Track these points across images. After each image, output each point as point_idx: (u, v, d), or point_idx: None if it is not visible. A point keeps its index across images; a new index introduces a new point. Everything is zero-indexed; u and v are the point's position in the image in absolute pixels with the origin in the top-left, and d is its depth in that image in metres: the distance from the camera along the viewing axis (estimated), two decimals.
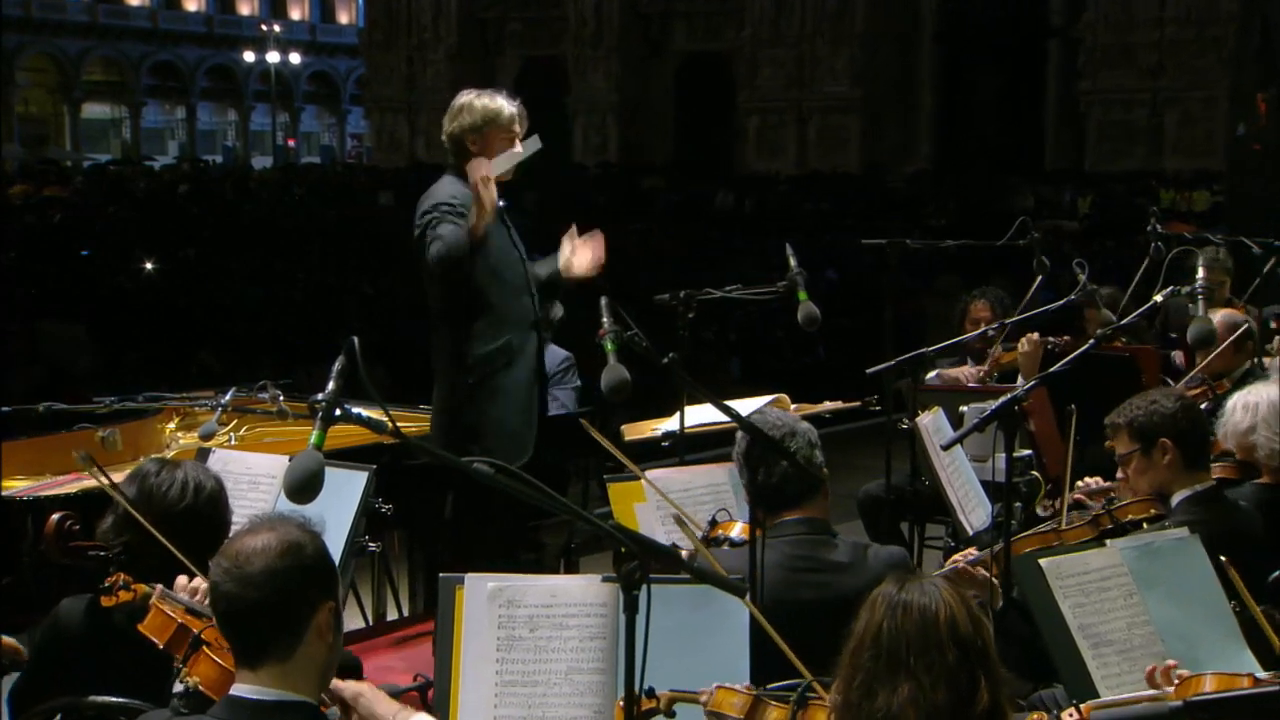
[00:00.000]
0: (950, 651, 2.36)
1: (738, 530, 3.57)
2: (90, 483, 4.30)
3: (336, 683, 2.62)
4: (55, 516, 3.17)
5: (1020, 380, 5.67)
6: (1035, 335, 5.79)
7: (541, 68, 39.77)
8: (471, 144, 4.55)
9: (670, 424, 4.78)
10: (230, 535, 2.62)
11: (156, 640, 2.78)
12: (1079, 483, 4.17)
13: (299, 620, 2.46)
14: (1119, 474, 4.04)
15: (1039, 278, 5.63)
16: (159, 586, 2.89)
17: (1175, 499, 3.91)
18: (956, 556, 3.81)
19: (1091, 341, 4.32)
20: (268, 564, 2.44)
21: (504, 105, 4.59)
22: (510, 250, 4.65)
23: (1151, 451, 3.91)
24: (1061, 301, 5.13)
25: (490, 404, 4.54)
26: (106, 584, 2.92)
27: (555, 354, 5.48)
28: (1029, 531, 3.94)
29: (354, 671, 3.44)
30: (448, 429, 4.58)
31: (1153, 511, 3.92)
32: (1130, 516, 3.91)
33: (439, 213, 4.41)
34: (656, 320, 4.96)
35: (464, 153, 4.54)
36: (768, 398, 4.80)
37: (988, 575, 3.58)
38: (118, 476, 3.33)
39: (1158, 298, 4.93)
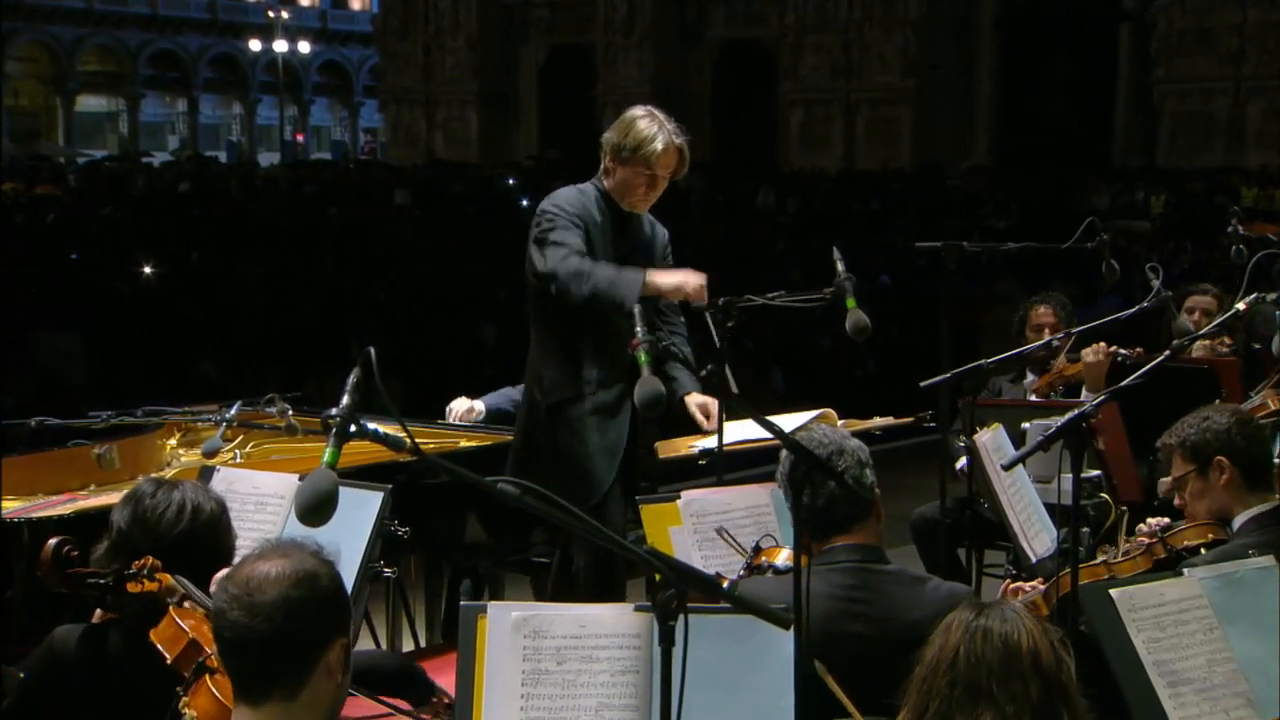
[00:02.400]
0: (1033, 683, 2.35)
1: (783, 557, 3.56)
2: (85, 503, 4.34)
3: None
4: (52, 542, 3.18)
5: (1086, 394, 5.64)
6: (1102, 344, 5.75)
7: (568, 57, 39.91)
8: (611, 161, 4.68)
9: (708, 441, 4.78)
10: (238, 559, 2.61)
11: (166, 653, 2.80)
12: (1140, 525, 4.15)
13: (309, 657, 2.46)
14: (1176, 500, 4.02)
15: (1111, 284, 5.59)
16: (184, 582, 2.90)
17: (1237, 521, 3.88)
18: (1011, 586, 3.81)
19: (1167, 352, 4.30)
20: (281, 594, 2.44)
21: (657, 139, 4.61)
22: None
23: (1208, 472, 3.90)
24: (1133, 309, 5.10)
25: (561, 433, 4.64)
26: (133, 569, 2.94)
27: None
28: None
29: (412, 678, 3.46)
30: (517, 448, 4.77)
31: (1211, 537, 3.89)
32: (1187, 543, 3.89)
33: (555, 224, 4.55)
34: (693, 329, 4.99)
35: (607, 169, 4.69)
36: (813, 413, 4.78)
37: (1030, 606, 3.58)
38: (114, 497, 3.35)
39: (1240, 305, 4.90)
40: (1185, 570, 3.38)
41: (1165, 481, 4.11)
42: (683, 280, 4.48)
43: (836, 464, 3.34)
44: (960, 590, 3.41)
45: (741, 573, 3.66)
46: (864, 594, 3.29)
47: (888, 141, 35.06)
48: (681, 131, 4.69)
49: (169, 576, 2.93)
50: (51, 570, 3.15)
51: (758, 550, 3.66)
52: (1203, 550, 3.82)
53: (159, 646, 2.82)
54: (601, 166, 4.75)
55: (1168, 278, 5.13)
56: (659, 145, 4.61)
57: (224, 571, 2.58)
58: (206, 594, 2.93)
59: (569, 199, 4.67)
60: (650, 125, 4.64)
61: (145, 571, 2.94)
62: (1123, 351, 5.64)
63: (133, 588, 2.95)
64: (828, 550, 3.33)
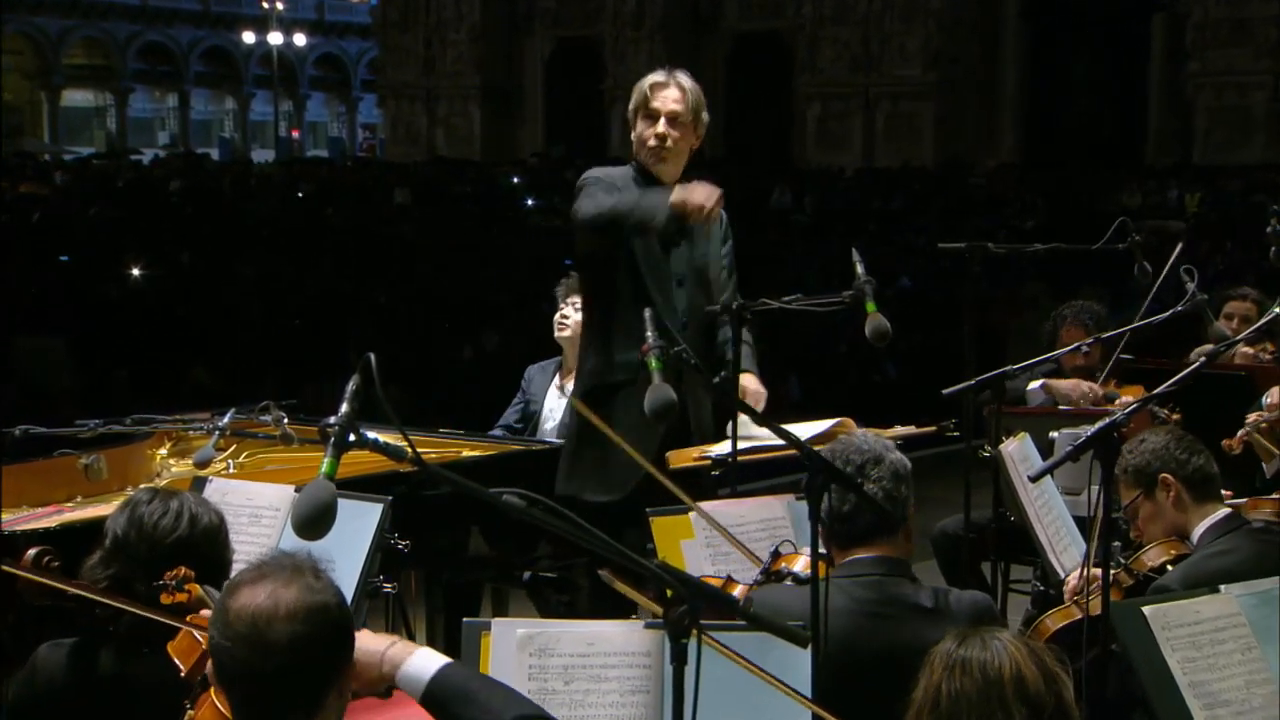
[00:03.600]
0: (1017, 713, 2.34)
1: (801, 564, 3.56)
2: (72, 516, 4.35)
3: None
4: (31, 553, 3.20)
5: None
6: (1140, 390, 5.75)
7: (575, 50, 39.92)
8: (632, 127, 4.90)
9: (721, 447, 4.77)
10: (231, 582, 2.59)
11: (181, 664, 2.80)
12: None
13: (323, 690, 2.46)
14: (1132, 532, 4.11)
15: (1152, 289, 5.58)
16: (211, 593, 2.91)
17: (1196, 533, 4.00)
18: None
19: (1202, 359, 4.30)
20: (292, 633, 2.42)
21: (650, 76, 4.86)
22: (667, 270, 4.85)
23: (1154, 493, 4.02)
24: (1166, 314, 5.10)
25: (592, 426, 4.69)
26: (166, 579, 2.95)
27: None
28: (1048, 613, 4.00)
29: None
30: (567, 452, 4.96)
31: (1174, 553, 4.02)
32: (1152, 564, 3.98)
33: (584, 183, 4.78)
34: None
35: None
36: (830, 421, 4.79)
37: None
38: (102, 509, 3.36)
39: (1277, 309, 4.89)
40: (1222, 587, 3.38)
41: None
42: (688, 194, 4.49)
43: (870, 473, 3.35)
44: (981, 599, 3.43)
45: (759, 579, 3.66)
46: (884, 609, 3.29)
47: (909, 138, 35.01)
48: (690, 77, 4.87)
49: (198, 587, 2.94)
50: (30, 581, 3.16)
51: (776, 555, 3.66)
52: (1169, 567, 3.91)
53: (175, 659, 2.82)
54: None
55: (1203, 280, 5.12)
56: (653, 78, 4.83)
57: (219, 602, 2.55)
58: None
59: (601, 170, 4.89)
60: (648, 78, 4.86)
61: (177, 583, 2.94)
62: (1161, 413, 5.57)
63: (165, 599, 2.95)
64: (850, 562, 3.33)
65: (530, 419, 5.87)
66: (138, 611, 3.02)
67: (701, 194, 4.45)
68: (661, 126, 4.79)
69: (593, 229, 4.68)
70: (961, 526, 5.21)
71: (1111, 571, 3.89)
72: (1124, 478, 4.07)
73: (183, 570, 2.96)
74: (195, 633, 2.84)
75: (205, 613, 2.89)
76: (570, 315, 5.62)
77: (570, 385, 5.67)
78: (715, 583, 3.72)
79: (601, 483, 4.72)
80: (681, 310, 4.86)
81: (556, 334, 5.74)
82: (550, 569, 5.36)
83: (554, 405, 5.81)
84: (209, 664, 2.59)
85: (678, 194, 4.48)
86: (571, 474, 4.86)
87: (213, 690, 2.69)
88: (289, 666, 2.41)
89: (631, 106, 4.88)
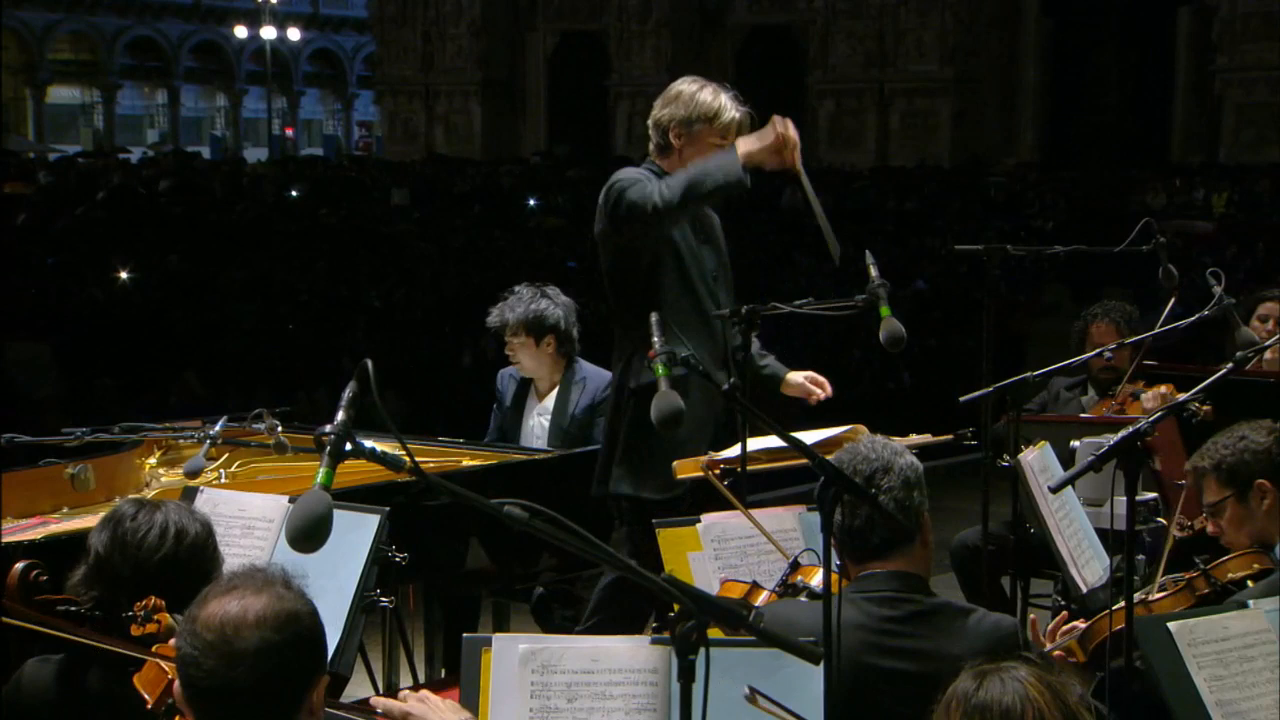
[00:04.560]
0: None
1: (818, 580, 3.55)
2: (58, 527, 4.36)
3: (385, 702, 2.62)
4: (19, 566, 3.19)
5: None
6: (1168, 389, 5.75)
7: (579, 44, 39.97)
8: (676, 138, 4.84)
9: (730, 451, 4.77)
10: (201, 593, 2.58)
11: (148, 696, 2.80)
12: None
13: (295, 702, 2.47)
14: (1210, 528, 4.02)
15: (1173, 295, 5.57)
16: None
17: None
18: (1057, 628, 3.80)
19: (1230, 365, 4.29)
20: (260, 639, 2.43)
21: (725, 106, 4.85)
22: (706, 266, 4.92)
23: (1248, 497, 3.90)
24: (1193, 318, 5.10)
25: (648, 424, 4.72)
26: (135, 610, 2.94)
27: (602, 373, 5.61)
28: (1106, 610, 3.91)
29: None
30: (607, 451, 4.91)
31: (1257, 567, 3.89)
32: (1232, 575, 3.88)
33: (626, 181, 4.71)
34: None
35: (668, 147, 4.85)
36: (841, 429, 4.78)
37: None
38: (88, 520, 3.35)
39: None
40: (1251, 602, 3.37)
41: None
42: (767, 136, 4.64)
43: (880, 483, 3.31)
44: (1006, 623, 3.36)
45: (776, 589, 3.65)
46: (899, 627, 3.26)
47: (925, 136, 35.03)
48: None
49: (169, 616, 2.93)
50: (18, 597, 3.16)
51: (795, 566, 3.65)
52: (1249, 583, 3.82)
53: (141, 691, 2.81)
54: (651, 147, 4.92)
55: (1231, 283, 5.12)
56: (735, 114, 4.85)
57: (188, 612, 2.54)
58: None
59: (632, 171, 4.84)
60: (715, 94, 4.86)
61: (146, 614, 2.94)
62: (1191, 405, 5.57)
63: (135, 632, 2.94)
64: (865, 577, 3.31)
65: (505, 427, 5.91)
66: (105, 647, 3.00)
67: (782, 125, 4.62)
68: None
69: (666, 210, 4.61)
70: (980, 538, 5.20)
71: (1188, 576, 3.87)
72: (1215, 474, 3.96)
73: (152, 600, 2.95)
74: (161, 663, 2.83)
75: (174, 642, 2.88)
76: (521, 358, 5.74)
77: (548, 403, 5.78)
78: (741, 588, 3.73)
79: (663, 480, 4.71)
80: (723, 305, 4.89)
81: (518, 369, 5.83)
82: (553, 583, 5.37)
83: (534, 425, 5.83)
84: (176, 684, 2.59)
85: (764, 136, 4.62)
86: (627, 473, 4.84)
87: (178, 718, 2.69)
88: (258, 676, 2.42)
89: (702, 119, 4.82)
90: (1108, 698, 3.42)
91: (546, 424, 5.75)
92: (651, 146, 4.94)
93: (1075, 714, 2.40)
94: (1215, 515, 3.97)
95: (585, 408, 5.67)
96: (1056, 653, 3.72)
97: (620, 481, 4.85)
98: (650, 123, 4.96)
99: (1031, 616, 4.02)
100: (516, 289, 5.77)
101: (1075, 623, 3.81)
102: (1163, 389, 5.80)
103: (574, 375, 5.73)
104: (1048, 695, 2.39)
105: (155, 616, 2.94)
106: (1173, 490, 4.96)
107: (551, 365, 5.75)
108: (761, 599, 3.67)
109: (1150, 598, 3.89)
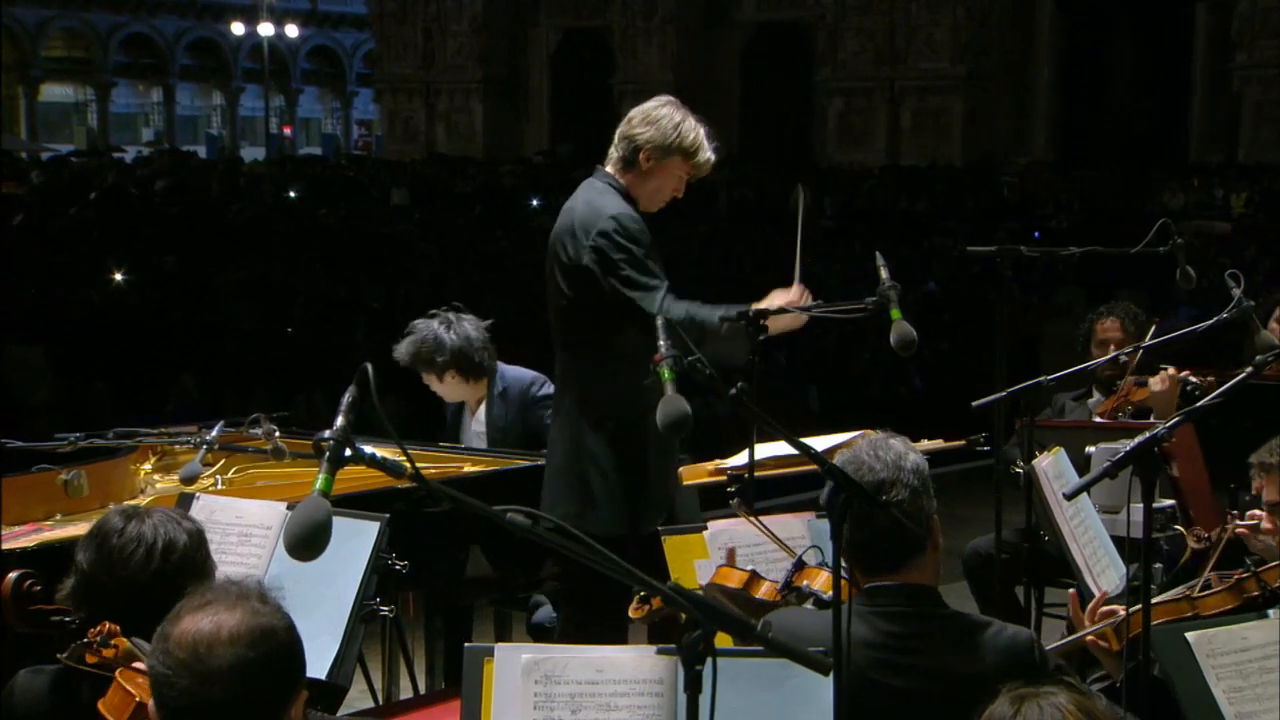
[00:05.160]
0: None
1: (823, 580, 3.53)
2: (51, 535, 4.36)
3: None
4: (13, 576, 3.20)
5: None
6: (1170, 371, 5.75)
7: (583, 42, 39.98)
8: (646, 160, 4.79)
9: (738, 458, 4.78)
10: (175, 609, 2.54)
11: None
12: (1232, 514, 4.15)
13: (274, 719, 2.46)
14: (1265, 523, 4.00)
15: (1186, 293, 5.58)
16: (141, 645, 2.86)
17: None
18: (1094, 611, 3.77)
19: (1249, 369, 4.28)
20: (235, 656, 2.42)
21: (704, 144, 4.83)
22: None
23: None
24: (1210, 321, 5.10)
25: (627, 452, 4.71)
26: (89, 638, 2.91)
27: (521, 375, 5.80)
28: (1155, 599, 3.87)
29: None
30: (566, 484, 4.80)
31: None
32: None
33: (622, 245, 4.66)
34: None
35: (634, 165, 4.80)
36: (851, 434, 4.78)
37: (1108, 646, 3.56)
38: (82, 528, 3.34)
39: None
40: (1271, 612, 3.36)
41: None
42: (784, 301, 4.64)
43: (887, 494, 3.28)
44: (1023, 637, 3.31)
45: (781, 589, 3.64)
46: (910, 643, 3.22)
47: (936, 134, 34.99)
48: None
49: (125, 641, 2.89)
50: (13, 607, 3.15)
51: (800, 566, 3.63)
52: None
53: (108, 717, 2.79)
54: (617, 160, 4.83)
55: (1250, 285, 5.11)
56: (711, 155, 4.85)
57: (160, 629, 2.51)
58: None
59: (632, 219, 4.74)
60: (696, 128, 4.81)
61: (100, 640, 2.90)
62: (1192, 380, 5.63)
63: (90, 659, 2.90)
64: (873, 589, 3.27)
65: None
66: (73, 666, 2.98)
67: (794, 295, 4.65)
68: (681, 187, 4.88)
69: (660, 323, 4.61)
70: (993, 546, 5.20)
71: (1238, 575, 3.85)
72: (1276, 475, 3.97)
73: (106, 626, 2.91)
74: (126, 686, 2.80)
75: (138, 664, 2.85)
76: (435, 389, 5.84)
77: (481, 416, 5.86)
78: (740, 576, 3.72)
79: (653, 507, 4.73)
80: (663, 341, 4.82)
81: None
82: (554, 592, 5.37)
83: (472, 439, 5.93)
84: (150, 704, 2.57)
85: (780, 300, 4.63)
86: (621, 512, 4.76)
87: None
88: (233, 694, 2.41)
89: (681, 150, 4.79)
90: (1124, 700, 3.40)
91: (484, 437, 5.86)
92: (615, 157, 4.84)
93: None
94: (1276, 515, 3.95)
95: (514, 417, 5.79)
96: (1089, 638, 3.69)
97: (614, 523, 4.72)
98: (621, 135, 4.85)
99: (1071, 591, 4.00)
100: (415, 323, 5.80)
101: (1116, 606, 3.77)
102: (1170, 370, 5.78)
103: (495, 389, 5.84)
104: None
105: (112, 641, 2.90)
106: (1191, 496, 4.95)
107: (467, 389, 5.86)
108: (762, 590, 3.67)
109: (1195, 594, 3.86)
